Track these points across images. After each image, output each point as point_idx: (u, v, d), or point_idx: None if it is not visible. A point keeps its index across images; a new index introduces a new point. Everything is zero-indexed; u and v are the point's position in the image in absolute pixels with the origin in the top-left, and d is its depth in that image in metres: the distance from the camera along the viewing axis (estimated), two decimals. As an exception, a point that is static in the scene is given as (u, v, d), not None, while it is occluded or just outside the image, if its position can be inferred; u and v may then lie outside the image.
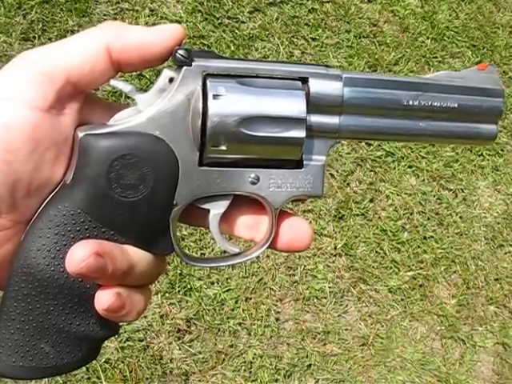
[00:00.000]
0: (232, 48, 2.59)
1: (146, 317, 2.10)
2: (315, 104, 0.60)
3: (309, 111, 0.59)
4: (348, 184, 2.57)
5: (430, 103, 0.63)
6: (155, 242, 0.58)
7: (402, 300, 2.45)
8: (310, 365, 2.24)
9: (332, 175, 2.55)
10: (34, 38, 2.33)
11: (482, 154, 2.84)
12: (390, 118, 0.63)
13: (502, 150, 2.90)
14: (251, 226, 0.63)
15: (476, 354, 2.47)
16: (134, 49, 0.55)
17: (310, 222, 2.44)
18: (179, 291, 2.17)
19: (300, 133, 0.58)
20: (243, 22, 2.68)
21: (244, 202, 0.63)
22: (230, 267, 2.25)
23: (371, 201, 2.57)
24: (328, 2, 2.88)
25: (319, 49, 2.76)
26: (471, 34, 3.11)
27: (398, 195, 2.61)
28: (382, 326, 2.39)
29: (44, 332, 0.55)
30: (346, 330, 2.34)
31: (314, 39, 2.78)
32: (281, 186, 0.61)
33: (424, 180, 2.69)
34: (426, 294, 2.50)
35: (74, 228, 0.54)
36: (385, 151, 2.66)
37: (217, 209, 0.60)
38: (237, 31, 2.65)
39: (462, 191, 2.74)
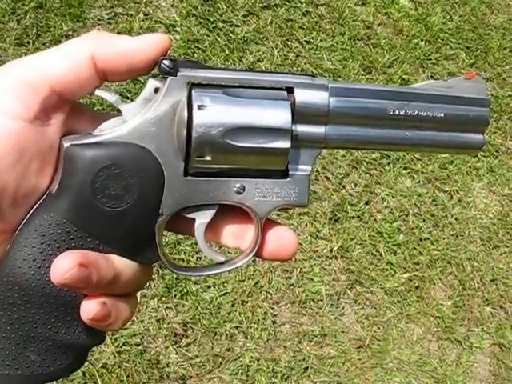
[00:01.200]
0: (226, 51, 2.60)
1: (142, 321, 2.10)
2: (301, 114, 0.60)
3: (294, 121, 0.59)
4: (343, 186, 2.58)
5: (416, 113, 0.63)
6: (141, 251, 0.58)
7: (398, 302, 2.46)
8: (307, 367, 2.24)
9: (327, 178, 2.55)
10: (29, 43, 2.33)
11: (476, 156, 2.85)
12: (376, 128, 0.63)
13: (497, 152, 2.91)
14: (237, 235, 0.63)
15: (473, 355, 2.47)
16: (118, 58, 0.55)
17: (306, 224, 2.44)
18: (175, 295, 2.17)
19: (285, 143, 0.58)
20: (237, 26, 2.69)
21: (230, 211, 0.63)
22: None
23: (367, 203, 2.58)
24: (322, 5, 2.89)
25: (313, 52, 2.77)
26: (465, 35, 3.13)
27: (393, 197, 2.62)
28: (379, 328, 2.40)
29: (30, 340, 0.55)
30: (343, 332, 2.34)
31: (308, 42, 2.78)
32: (266, 195, 0.61)
33: (419, 182, 2.69)
34: (422, 296, 2.50)
35: (59, 237, 0.54)
36: (380, 153, 2.66)
37: (202, 218, 0.60)
38: (231, 35, 2.65)
39: (458, 193, 2.75)
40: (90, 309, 0.54)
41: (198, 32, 2.59)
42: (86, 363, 1.97)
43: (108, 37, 0.56)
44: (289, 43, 2.75)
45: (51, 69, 0.54)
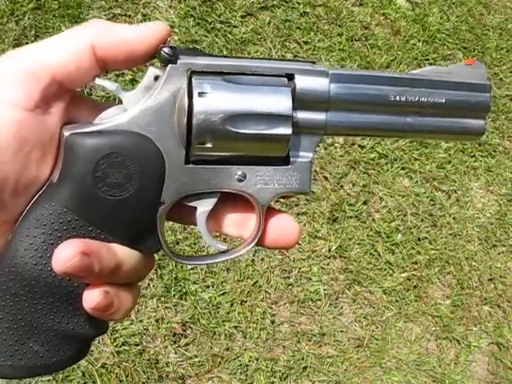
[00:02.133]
0: (225, 52, 2.60)
1: (141, 321, 2.10)
2: (301, 100, 0.60)
3: (295, 108, 0.59)
4: (342, 186, 2.58)
5: (417, 99, 0.63)
6: (142, 239, 0.58)
7: (396, 301, 2.46)
8: (306, 367, 2.24)
9: (325, 178, 2.56)
10: (27, 44, 2.33)
11: (474, 156, 2.86)
12: (376, 114, 0.63)
13: (495, 151, 2.91)
14: (239, 224, 0.63)
15: (471, 354, 2.48)
16: (118, 46, 0.55)
17: (304, 224, 2.45)
18: (174, 295, 2.17)
19: (286, 130, 0.58)
20: (235, 27, 2.69)
21: (231, 200, 0.63)
22: (225, 270, 2.26)
23: (365, 203, 2.58)
24: (320, 6, 2.90)
25: (311, 52, 2.78)
26: (462, 36, 3.13)
27: (391, 197, 2.62)
28: (377, 328, 2.40)
29: (33, 331, 0.55)
30: (342, 331, 2.35)
31: (306, 43, 2.79)
32: (268, 182, 0.60)
33: (417, 181, 2.70)
34: (420, 295, 2.51)
35: (60, 227, 0.54)
36: (378, 153, 2.67)
37: (204, 206, 0.60)
38: (229, 35, 2.66)
39: (455, 192, 2.76)
40: (92, 298, 0.54)
41: (196, 33, 2.60)
42: (86, 363, 1.97)
43: (107, 25, 0.56)
44: (287, 44, 2.76)
45: (51, 58, 0.54)
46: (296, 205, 2.46)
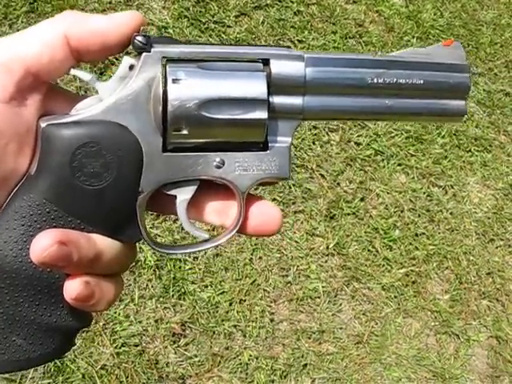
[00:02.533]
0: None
1: (140, 322, 2.10)
2: (277, 85, 0.59)
3: (271, 92, 0.59)
4: (338, 184, 2.58)
5: (395, 80, 0.63)
6: (122, 229, 0.58)
7: (395, 297, 2.47)
8: (306, 364, 2.24)
9: (322, 175, 2.56)
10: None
11: (470, 150, 2.87)
12: (355, 97, 0.63)
13: (490, 146, 2.92)
14: (220, 212, 0.63)
15: (470, 348, 2.48)
16: (92, 36, 0.55)
17: (302, 222, 2.45)
18: (173, 295, 2.17)
19: (262, 114, 0.58)
20: (229, 27, 2.70)
21: (212, 188, 0.63)
22: (224, 269, 2.26)
23: (362, 200, 2.59)
24: (313, 4, 2.90)
25: (306, 51, 2.78)
26: (456, 31, 3.14)
27: (388, 193, 2.63)
28: (377, 324, 2.41)
29: (15, 324, 0.55)
30: (341, 328, 2.35)
31: (300, 41, 2.79)
32: (247, 169, 0.60)
33: (414, 177, 2.71)
34: (419, 291, 2.51)
35: (39, 218, 0.54)
36: (374, 150, 2.68)
37: (184, 194, 0.60)
38: (223, 35, 2.66)
39: (452, 187, 2.76)
40: (72, 288, 0.54)
41: (190, 33, 2.60)
42: (85, 365, 1.97)
43: (80, 16, 0.55)
44: (281, 42, 2.76)
45: (24, 50, 0.53)
46: (293, 203, 2.46)
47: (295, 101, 0.61)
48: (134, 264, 2.13)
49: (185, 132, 0.56)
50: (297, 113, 0.61)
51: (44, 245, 0.50)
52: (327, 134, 2.64)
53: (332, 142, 2.63)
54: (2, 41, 0.55)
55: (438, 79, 0.65)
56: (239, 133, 0.58)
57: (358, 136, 2.67)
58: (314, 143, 2.59)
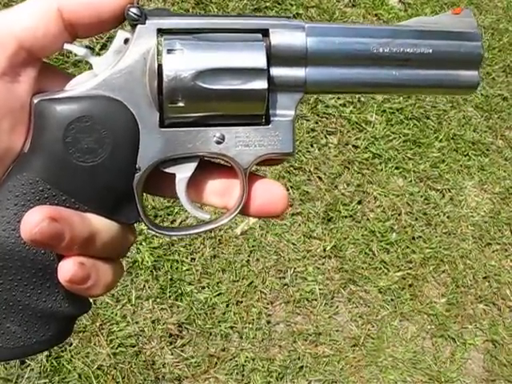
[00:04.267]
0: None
1: (137, 322, 2.10)
2: (278, 56, 0.57)
3: (272, 64, 0.57)
4: (336, 186, 2.59)
5: (401, 50, 0.60)
6: (119, 209, 0.56)
7: (392, 300, 2.47)
8: (302, 366, 2.25)
9: (320, 178, 2.57)
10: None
11: (467, 154, 2.87)
12: (360, 68, 0.60)
13: (488, 150, 2.93)
14: (222, 192, 0.61)
15: (466, 352, 2.49)
16: (86, 9, 0.53)
17: (299, 224, 2.45)
18: (170, 296, 2.17)
19: (262, 84, 0.55)
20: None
21: (213, 168, 0.61)
22: (221, 271, 2.26)
23: (359, 202, 2.59)
24: (312, 7, 2.91)
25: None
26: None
27: (385, 196, 2.63)
28: (373, 327, 2.41)
29: (9, 310, 0.53)
30: (337, 331, 2.36)
31: (299, 44, 2.80)
32: (248, 144, 0.58)
33: (411, 181, 2.71)
34: (415, 294, 2.51)
35: (33, 197, 0.52)
36: (372, 153, 2.68)
37: (183, 172, 0.58)
38: (222, 37, 2.66)
39: (449, 191, 2.77)
40: (67, 268, 0.51)
41: (189, 35, 2.60)
42: (82, 365, 1.97)
43: None
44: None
45: (17, 23, 0.52)
46: (291, 205, 2.47)
47: (297, 73, 0.58)
48: (131, 265, 2.13)
49: (181, 104, 0.54)
50: (299, 85, 0.59)
51: (34, 221, 0.48)
52: (325, 136, 2.64)
53: (330, 144, 2.64)
54: None
55: (448, 48, 0.61)
56: (238, 105, 0.56)
57: (355, 139, 2.67)
58: (311, 145, 2.59)
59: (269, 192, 0.60)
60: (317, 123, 2.63)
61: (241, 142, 0.58)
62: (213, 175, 0.61)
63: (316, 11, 2.90)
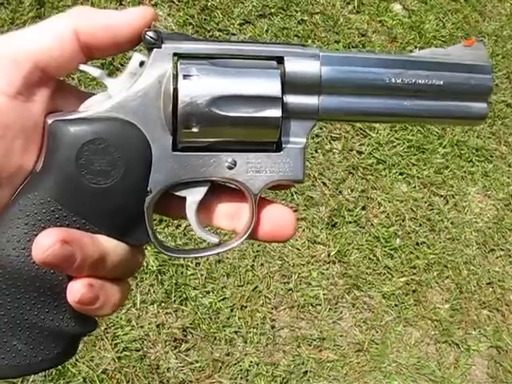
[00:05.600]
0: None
1: (142, 327, 2.11)
2: (292, 84, 0.57)
3: (286, 91, 0.57)
4: (340, 192, 2.60)
5: (413, 81, 0.60)
6: (130, 231, 0.56)
7: (395, 305, 2.47)
8: (306, 371, 2.25)
9: (324, 183, 2.57)
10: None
11: (471, 161, 2.88)
12: (372, 98, 0.60)
13: (492, 156, 2.94)
14: (232, 216, 0.61)
15: (470, 358, 2.49)
16: (102, 31, 0.53)
17: (304, 229, 2.46)
18: (175, 301, 2.18)
19: (276, 112, 0.55)
20: (234, 34, 2.72)
21: (223, 191, 0.61)
22: (225, 275, 2.27)
23: (363, 208, 2.60)
24: (317, 14, 2.92)
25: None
26: (458, 43, 3.16)
27: (389, 202, 2.64)
28: (377, 332, 2.41)
29: (16, 328, 0.53)
30: (341, 336, 2.36)
31: (303, 50, 2.81)
32: (259, 170, 0.58)
33: (415, 187, 2.72)
34: (419, 299, 2.52)
35: (44, 217, 0.52)
36: (376, 159, 2.69)
37: (194, 196, 0.58)
38: (228, 43, 2.67)
39: (453, 197, 2.77)
40: (76, 290, 0.52)
41: (194, 40, 2.62)
42: (86, 368, 1.98)
43: (91, 10, 0.54)
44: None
45: (33, 44, 0.52)
46: (295, 210, 2.47)
47: (310, 101, 0.59)
48: (136, 269, 2.13)
49: (195, 130, 0.54)
50: (312, 113, 0.59)
51: (46, 243, 0.49)
52: (330, 142, 2.65)
53: (334, 150, 2.65)
54: (10, 35, 0.53)
55: (459, 80, 0.62)
56: (252, 132, 0.56)
57: (360, 145, 2.68)
58: (316, 151, 2.60)
59: (278, 217, 0.60)
60: (321, 129, 2.64)
61: (252, 168, 0.58)
62: (223, 199, 0.61)
63: (320, 18, 2.91)
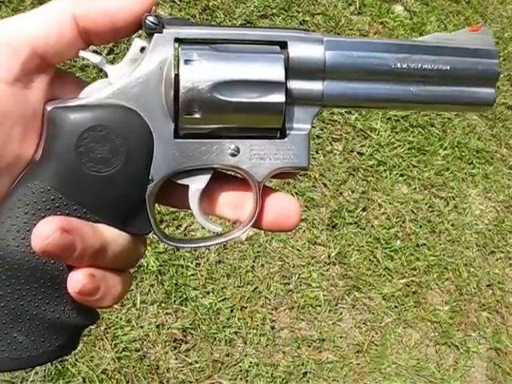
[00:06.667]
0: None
1: (142, 327, 2.11)
2: (296, 69, 0.56)
3: (289, 77, 0.56)
4: (341, 193, 2.60)
5: (419, 66, 0.59)
6: (131, 220, 0.55)
7: (395, 307, 2.47)
8: (306, 372, 2.25)
9: (325, 184, 2.57)
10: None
11: (472, 163, 2.88)
12: (377, 83, 0.59)
13: (492, 158, 2.94)
14: (235, 205, 0.60)
15: (470, 360, 2.49)
16: (101, 16, 0.52)
17: (304, 231, 2.46)
18: (175, 301, 2.18)
19: (279, 97, 0.54)
20: (235, 35, 2.71)
21: (227, 179, 0.60)
22: (225, 276, 2.27)
23: (364, 209, 2.60)
24: (319, 14, 2.92)
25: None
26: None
27: (390, 204, 2.64)
28: (377, 333, 2.41)
29: (16, 319, 0.52)
30: (341, 337, 2.36)
31: (305, 51, 2.81)
32: (263, 157, 0.57)
33: (416, 188, 2.72)
34: (419, 301, 2.52)
35: (44, 206, 0.51)
36: (377, 160, 2.69)
37: (196, 184, 0.57)
38: (229, 43, 2.67)
39: (454, 199, 2.77)
40: (77, 280, 0.51)
41: (196, 41, 2.62)
42: (86, 368, 1.98)
43: None
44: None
45: (31, 29, 0.51)
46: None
47: (315, 86, 0.58)
48: (136, 269, 2.14)
49: (197, 116, 0.53)
50: (316, 99, 0.58)
51: (46, 232, 0.48)
52: (330, 143, 2.65)
53: (335, 151, 2.65)
54: (7, 21, 0.52)
55: (465, 65, 0.61)
56: (255, 118, 0.55)
57: (360, 146, 2.68)
58: (317, 152, 2.60)
59: (282, 206, 0.59)
60: (322, 130, 2.64)
61: (256, 155, 0.57)
62: (226, 187, 0.60)
63: (322, 18, 2.91)
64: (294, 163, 0.58)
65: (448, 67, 0.60)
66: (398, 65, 0.59)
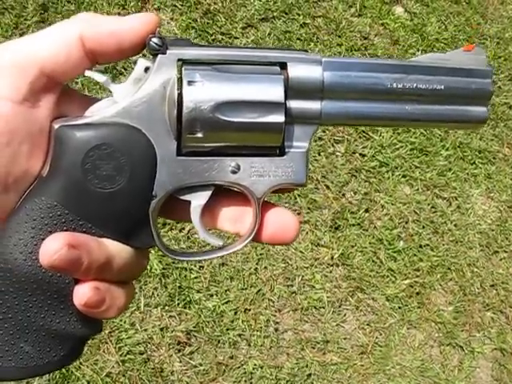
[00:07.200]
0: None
1: (146, 330, 2.11)
2: (295, 89, 0.58)
3: (288, 96, 0.58)
4: (343, 195, 2.60)
5: (415, 86, 0.61)
6: (135, 234, 0.57)
7: (399, 308, 2.47)
8: (310, 374, 2.25)
9: (327, 186, 2.57)
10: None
11: (474, 163, 2.88)
12: (373, 102, 0.61)
13: (494, 158, 2.93)
14: (235, 219, 0.62)
15: (474, 360, 2.48)
16: (107, 37, 0.54)
17: (307, 232, 2.46)
18: (179, 304, 2.18)
19: (279, 117, 0.56)
20: (236, 38, 2.73)
21: (227, 194, 0.61)
22: (229, 279, 2.27)
23: (366, 211, 2.60)
24: (319, 17, 2.93)
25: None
26: (460, 45, 3.16)
27: (392, 205, 2.64)
28: (381, 335, 2.41)
29: (23, 330, 0.53)
30: (345, 338, 2.36)
31: (306, 53, 2.81)
32: (263, 174, 0.59)
33: (418, 189, 2.72)
34: (423, 302, 2.51)
35: (50, 221, 0.53)
36: (379, 162, 2.69)
37: (198, 200, 0.59)
38: (230, 47, 2.68)
39: (456, 199, 2.77)
40: (82, 293, 0.53)
41: (197, 44, 2.62)
42: (91, 372, 1.98)
43: (96, 17, 0.55)
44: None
45: (39, 50, 0.53)
46: (298, 213, 2.48)
47: (313, 105, 0.60)
48: (140, 272, 2.14)
49: (200, 135, 0.55)
50: (314, 118, 0.60)
51: (53, 248, 0.50)
52: (332, 145, 2.65)
53: (337, 153, 2.65)
54: (16, 41, 0.54)
55: (459, 85, 0.63)
56: (255, 137, 0.57)
57: (363, 147, 2.69)
58: (319, 154, 2.60)
59: (281, 221, 0.61)
60: (324, 132, 2.64)
61: (255, 172, 0.59)
62: (227, 202, 0.62)
63: (323, 21, 2.92)
64: (292, 180, 0.60)
65: (442, 87, 0.63)
66: (394, 85, 0.61)
